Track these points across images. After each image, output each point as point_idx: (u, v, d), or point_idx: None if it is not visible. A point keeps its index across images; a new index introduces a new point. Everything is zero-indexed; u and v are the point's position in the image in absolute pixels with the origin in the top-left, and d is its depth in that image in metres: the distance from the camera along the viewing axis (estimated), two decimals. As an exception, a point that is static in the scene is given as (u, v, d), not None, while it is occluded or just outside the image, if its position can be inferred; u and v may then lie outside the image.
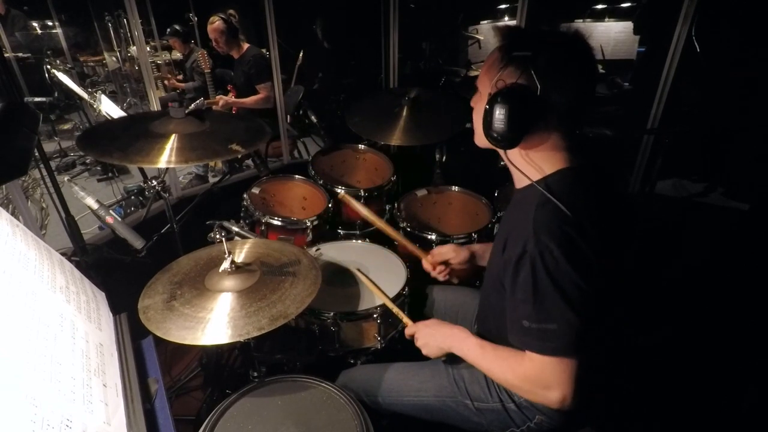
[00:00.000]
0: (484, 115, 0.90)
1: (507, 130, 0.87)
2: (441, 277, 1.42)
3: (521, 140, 0.89)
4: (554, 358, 0.87)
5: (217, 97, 3.46)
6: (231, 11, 3.27)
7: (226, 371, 1.71)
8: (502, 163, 1.04)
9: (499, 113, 0.86)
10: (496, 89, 0.89)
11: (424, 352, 1.17)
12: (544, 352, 0.87)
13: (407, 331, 1.25)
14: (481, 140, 1.01)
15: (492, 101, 0.87)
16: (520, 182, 1.02)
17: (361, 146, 2.33)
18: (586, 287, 0.84)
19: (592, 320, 0.86)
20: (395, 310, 1.32)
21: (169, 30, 4.18)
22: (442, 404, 1.17)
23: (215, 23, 3.22)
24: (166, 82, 4.48)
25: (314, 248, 1.67)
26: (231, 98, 3.39)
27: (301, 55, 4.20)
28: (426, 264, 1.44)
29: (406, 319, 1.29)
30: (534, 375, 0.90)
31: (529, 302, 0.87)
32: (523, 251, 0.87)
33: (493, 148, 0.99)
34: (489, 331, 1.13)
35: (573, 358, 0.87)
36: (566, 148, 0.94)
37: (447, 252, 1.39)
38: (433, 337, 1.15)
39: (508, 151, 0.96)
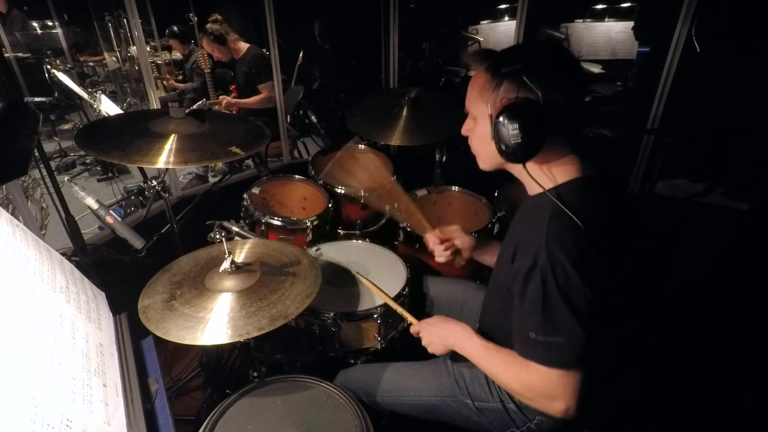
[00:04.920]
0: (496, 135, 0.89)
1: (524, 143, 0.86)
2: (443, 256, 1.37)
3: (539, 150, 0.89)
4: (560, 370, 0.87)
5: (221, 97, 3.46)
6: (214, 17, 3.29)
7: (226, 371, 1.71)
8: None
9: (512, 129, 0.86)
10: (499, 107, 0.88)
11: (430, 350, 1.15)
12: (549, 364, 0.87)
13: (412, 329, 1.23)
14: (487, 163, 1.02)
15: (499, 119, 0.87)
16: (532, 190, 1.01)
17: (361, 146, 2.33)
18: (596, 300, 0.84)
19: (599, 332, 0.87)
20: (399, 309, 1.30)
21: (167, 31, 4.19)
22: (443, 404, 1.17)
23: (203, 41, 3.27)
24: (165, 82, 4.48)
25: (314, 248, 1.67)
26: (233, 99, 3.39)
27: (301, 55, 4.20)
28: (431, 236, 1.41)
29: (410, 318, 1.27)
30: (539, 385, 0.90)
31: (537, 314, 0.86)
32: (534, 263, 0.87)
33: (502, 167, 1.00)
34: (491, 331, 1.13)
35: (578, 371, 0.87)
36: (575, 154, 0.95)
37: (455, 231, 1.39)
38: (437, 335, 1.14)
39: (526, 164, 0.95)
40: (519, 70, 0.87)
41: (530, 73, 0.86)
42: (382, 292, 1.37)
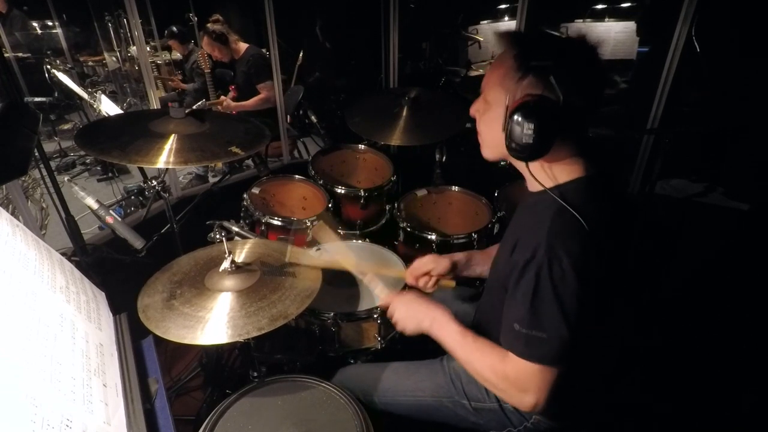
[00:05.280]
0: (508, 129, 0.87)
1: (534, 144, 0.84)
2: (428, 289, 1.33)
3: (547, 152, 0.87)
4: (537, 365, 0.86)
5: (221, 97, 3.47)
6: (214, 17, 3.28)
7: (226, 371, 1.71)
8: (502, 163, 1.03)
9: (526, 127, 0.83)
10: (517, 101, 0.86)
11: (399, 327, 1.12)
12: (527, 358, 0.87)
13: (381, 302, 1.19)
14: (491, 153, 1.00)
15: (515, 114, 0.85)
16: (534, 186, 0.99)
17: (361, 146, 2.33)
18: (588, 301, 0.84)
19: (586, 333, 0.86)
20: (366, 279, 1.24)
21: (166, 32, 4.19)
22: (439, 404, 1.16)
23: (203, 40, 3.25)
24: (170, 82, 4.48)
25: (314, 248, 1.67)
26: (232, 103, 3.39)
27: (301, 55, 4.20)
28: (408, 279, 1.34)
29: (378, 290, 1.22)
30: (513, 376, 0.90)
31: (525, 306, 0.86)
32: (531, 256, 0.86)
33: (505, 159, 0.98)
34: (485, 329, 1.12)
35: (555, 367, 0.87)
36: (580, 154, 0.93)
37: (426, 263, 1.30)
38: (411, 312, 1.10)
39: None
40: (548, 67, 0.84)
41: (558, 74, 0.83)
42: (347, 263, 1.28)
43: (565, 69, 0.85)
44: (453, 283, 1.35)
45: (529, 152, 0.87)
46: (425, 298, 1.12)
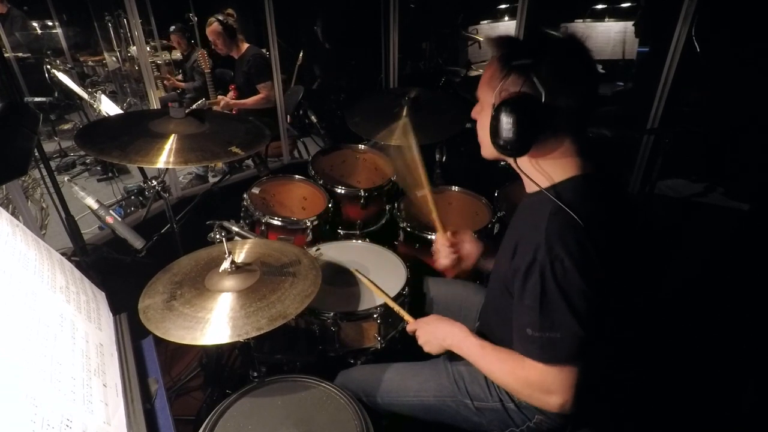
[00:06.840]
0: (491, 125, 0.90)
1: (515, 138, 0.87)
2: (444, 261, 1.35)
3: (530, 148, 0.90)
4: (556, 366, 0.87)
5: (219, 97, 3.46)
6: (229, 11, 3.27)
7: (226, 371, 1.71)
8: (502, 163, 1.04)
9: (506, 123, 0.86)
10: (500, 100, 0.89)
11: (426, 349, 1.16)
12: (545, 360, 0.88)
13: (409, 328, 1.23)
14: (488, 152, 1.01)
15: (497, 111, 0.88)
16: (530, 187, 1.01)
17: (361, 146, 2.33)
18: (594, 297, 0.84)
19: (597, 329, 0.87)
20: (396, 308, 1.30)
21: (173, 27, 4.18)
22: (442, 404, 1.17)
23: (212, 25, 3.22)
24: (166, 82, 4.47)
25: (314, 248, 1.67)
26: (231, 100, 3.39)
27: (301, 55, 4.20)
28: (441, 237, 1.38)
29: (407, 317, 1.27)
30: (536, 381, 0.90)
31: (535, 310, 0.87)
32: (533, 259, 0.87)
33: (502, 158, 0.99)
34: (490, 331, 1.13)
35: (574, 366, 0.87)
36: (577, 153, 0.94)
37: (466, 237, 1.38)
38: (433, 334, 1.14)
39: (518, 159, 0.96)
40: (528, 65, 0.87)
41: (539, 71, 0.85)
42: (381, 290, 1.37)
43: (546, 66, 0.86)
44: (462, 268, 1.39)
45: (511, 147, 0.89)
46: (443, 318, 1.16)
